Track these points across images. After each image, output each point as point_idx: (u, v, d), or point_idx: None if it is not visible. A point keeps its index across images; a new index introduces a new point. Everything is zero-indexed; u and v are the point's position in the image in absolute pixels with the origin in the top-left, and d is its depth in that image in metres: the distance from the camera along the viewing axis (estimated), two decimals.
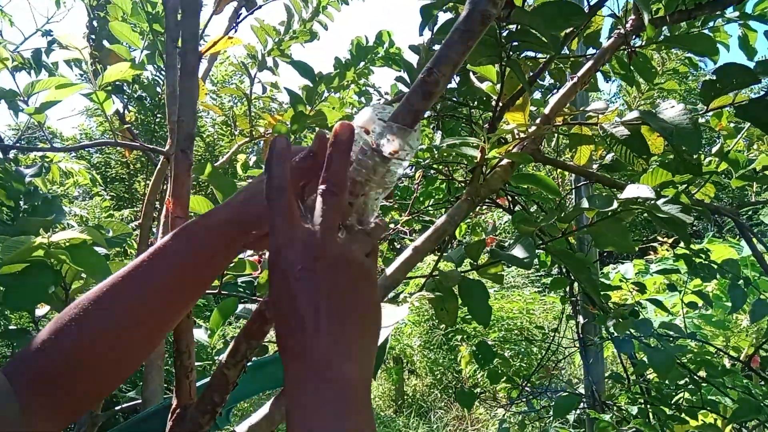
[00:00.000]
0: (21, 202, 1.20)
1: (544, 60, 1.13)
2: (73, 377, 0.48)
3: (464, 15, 0.50)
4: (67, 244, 0.86)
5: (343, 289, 0.41)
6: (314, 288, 0.40)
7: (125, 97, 2.05)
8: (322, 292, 0.40)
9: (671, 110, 0.92)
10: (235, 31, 1.53)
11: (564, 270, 1.58)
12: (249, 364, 0.67)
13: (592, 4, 0.94)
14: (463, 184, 1.55)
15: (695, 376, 1.46)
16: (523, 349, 4.04)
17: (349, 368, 0.38)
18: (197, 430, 0.65)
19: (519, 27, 0.84)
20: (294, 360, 0.39)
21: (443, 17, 1.26)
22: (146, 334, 0.52)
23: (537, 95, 1.73)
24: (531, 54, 1.28)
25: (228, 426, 0.81)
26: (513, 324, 4.52)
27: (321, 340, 0.38)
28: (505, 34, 0.88)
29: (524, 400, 1.82)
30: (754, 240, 1.18)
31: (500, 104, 1.01)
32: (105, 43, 1.85)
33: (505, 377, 1.60)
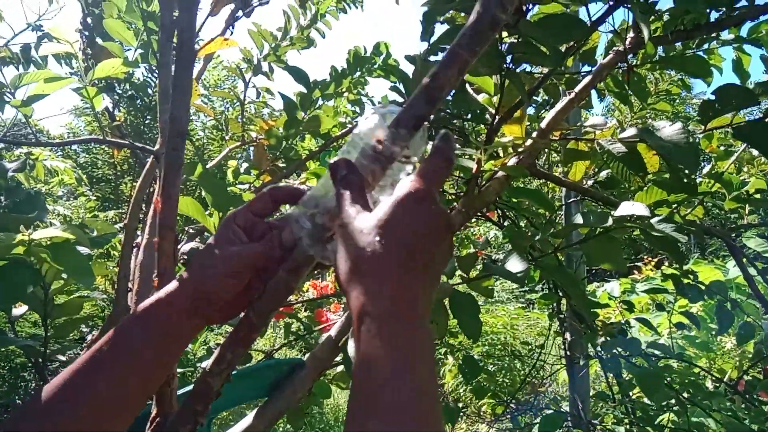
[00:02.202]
0: (2, 198, 1.16)
1: (541, 75, 1.12)
2: None
3: (473, 19, 0.49)
4: (49, 242, 0.84)
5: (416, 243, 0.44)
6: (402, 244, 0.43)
7: (116, 96, 2.02)
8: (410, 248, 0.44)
9: (669, 128, 0.92)
10: (231, 34, 1.52)
11: (553, 286, 1.57)
12: (233, 372, 0.65)
13: (593, 19, 0.94)
14: (453, 196, 1.54)
15: (681, 397, 1.45)
16: (506, 365, 4.03)
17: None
18: None
19: (520, 38, 0.83)
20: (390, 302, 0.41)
21: (439, 30, 1.26)
22: (114, 419, 0.51)
23: (530, 111, 1.73)
24: (527, 69, 1.28)
25: None
26: (497, 339, 4.50)
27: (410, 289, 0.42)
28: (505, 46, 0.87)
29: (509, 416, 1.80)
30: (744, 260, 1.18)
31: (497, 116, 1.00)
32: (98, 40, 1.82)
33: (490, 393, 1.58)
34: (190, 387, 0.66)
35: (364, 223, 0.45)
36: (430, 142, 0.53)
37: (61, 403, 0.48)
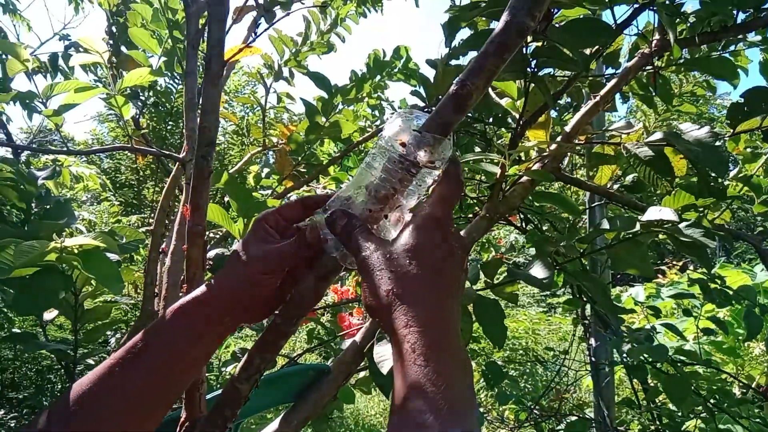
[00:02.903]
0: (33, 205, 1.19)
1: (564, 79, 1.12)
2: None
3: (501, 27, 0.49)
4: (80, 249, 0.85)
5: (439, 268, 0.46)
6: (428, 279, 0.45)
7: (140, 103, 2.05)
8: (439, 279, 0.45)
9: (697, 132, 0.90)
10: (254, 41, 1.53)
11: (577, 291, 1.55)
12: (261, 378, 0.66)
13: (619, 22, 0.93)
14: (476, 201, 1.54)
15: (709, 404, 1.43)
16: (527, 370, 4.00)
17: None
18: None
19: (545, 43, 0.82)
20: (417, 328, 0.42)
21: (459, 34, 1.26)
22: (143, 417, 0.52)
23: (552, 114, 1.71)
24: (550, 72, 1.27)
25: None
26: (518, 344, 4.47)
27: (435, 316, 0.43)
28: (529, 50, 0.87)
29: (532, 422, 1.78)
30: None
31: (522, 121, 0.99)
32: (123, 49, 1.85)
33: (513, 399, 1.56)
34: (218, 392, 0.66)
35: (391, 250, 0.46)
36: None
37: (86, 404, 0.49)
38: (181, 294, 0.88)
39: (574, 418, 1.61)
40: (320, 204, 0.58)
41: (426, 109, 1.35)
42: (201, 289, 0.55)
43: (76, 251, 0.82)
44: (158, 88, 2.12)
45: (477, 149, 1.58)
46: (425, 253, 0.46)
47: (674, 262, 4.21)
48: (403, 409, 0.39)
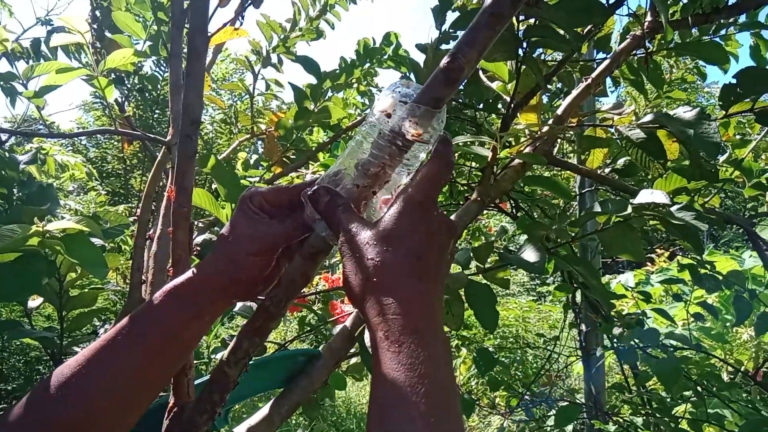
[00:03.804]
0: (15, 190, 1.16)
1: (555, 63, 1.10)
2: None
3: None
4: (63, 234, 0.83)
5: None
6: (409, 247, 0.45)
7: (125, 89, 2.01)
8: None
9: (688, 113, 0.90)
10: (241, 24, 1.50)
11: (567, 277, 1.55)
12: (250, 362, 0.64)
13: (611, 2, 0.92)
14: (466, 188, 1.53)
15: (699, 388, 1.43)
16: (518, 357, 4.02)
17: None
18: (195, 430, 0.62)
19: (537, 22, 0.81)
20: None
21: (449, 22, 1.24)
22: (133, 402, 0.51)
23: (544, 100, 1.70)
24: (542, 57, 1.26)
25: (226, 426, 0.78)
26: (509, 332, 4.49)
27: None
28: (521, 32, 0.85)
29: (523, 408, 1.79)
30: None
31: (513, 103, 0.98)
32: (107, 33, 1.81)
33: (504, 385, 1.57)
34: (207, 377, 0.65)
35: (370, 234, 0.45)
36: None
37: (72, 390, 0.47)
38: (167, 278, 0.86)
39: (564, 403, 1.61)
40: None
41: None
42: (192, 271, 0.54)
43: (58, 235, 0.80)
44: (143, 74, 2.08)
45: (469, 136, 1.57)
46: (404, 239, 0.44)
47: (663, 250, 4.23)
48: (378, 399, 0.39)
